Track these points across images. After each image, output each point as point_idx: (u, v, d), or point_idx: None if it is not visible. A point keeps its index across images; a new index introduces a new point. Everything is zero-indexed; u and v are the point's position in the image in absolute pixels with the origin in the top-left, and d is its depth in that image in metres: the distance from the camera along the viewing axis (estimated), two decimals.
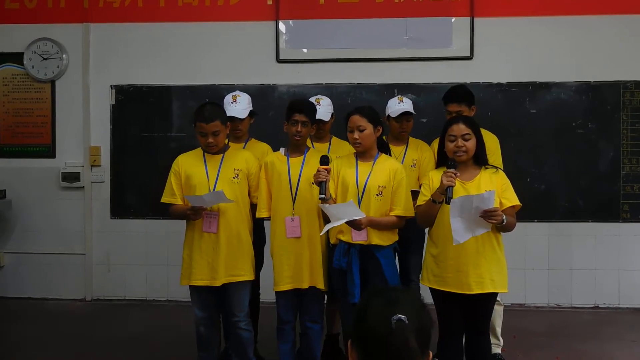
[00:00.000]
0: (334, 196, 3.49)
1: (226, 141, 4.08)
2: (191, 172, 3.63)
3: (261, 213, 3.69)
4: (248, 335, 3.70)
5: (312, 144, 4.14)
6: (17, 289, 5.82)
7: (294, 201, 3.62)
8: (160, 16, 5.71)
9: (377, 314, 1.49)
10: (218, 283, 3.58)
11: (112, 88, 5.77)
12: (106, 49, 5.78)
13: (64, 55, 5.76)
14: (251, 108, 4.10)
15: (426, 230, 3.51)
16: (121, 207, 5.79)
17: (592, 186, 5.44)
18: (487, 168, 3.31)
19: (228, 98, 4.06)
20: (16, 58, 5.81)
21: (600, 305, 5.49)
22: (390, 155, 3.73)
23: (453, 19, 5.49)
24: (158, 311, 5.53)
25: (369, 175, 3.48)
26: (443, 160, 3.35)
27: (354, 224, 3.34)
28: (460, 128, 3.24)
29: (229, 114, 3.98)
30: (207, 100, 5.34)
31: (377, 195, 3.45)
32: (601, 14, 5.41)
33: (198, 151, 3.71)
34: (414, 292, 1.68)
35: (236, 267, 3.60)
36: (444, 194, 3.14)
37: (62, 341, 4.74)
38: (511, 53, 5.48)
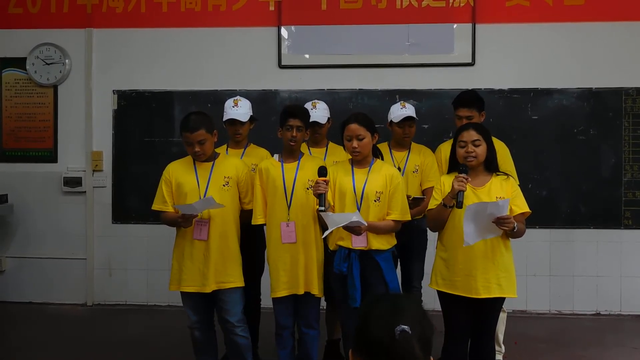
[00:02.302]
0: (332, 204, 3.50)
1: (225, 146, 4.10)
2: (182, 180, 3.63)
3: (257, 220, 3.70)
4: (244, 342, 3.70)
5: (309, 149, 4.14)
6: (19, 293, 5.81)
7: (289, 206, 3.63)
8: (163, 22, 5.73)
9: (380, 323, 1.48)
10: (208, 290, 3.58)
11: (114, 93, 5.78)
12: (109, 54, 5.79)
13: (67, 60, 5.77)
14: (251, 113, 4.11)
15: (435, 234, 3.52)
16: (123, 212, 5.79)
17: (594, 192, 5.43)
18: (498, 174, 3.35)
19: (229, 102, 4.08)
20: (19, 63, 5.82)
21: (602, 312, 5.48)
22: (383, 159, 3.74)
23: (455, 25, 5.51)
24: (159, 316, 5.53)
25: (366, 181, 3.50)
26: (454, 165, 3.38)
27: (353, 230, 3.36)
28: (471, 134, 3.29)
29: (230, 117, 4.00)
30: (209, 105, 5.38)
31: (375, 201, 3.47)
32: (603, 21, 5.41)
33: (188, 159, 3.71)
34: (416, 298, 1.67)
35: (226, 273, 3.60)
36: (455, 198, 3.18)
37: (63, 345, 4.74)
38: (513, 59, 5.49)
